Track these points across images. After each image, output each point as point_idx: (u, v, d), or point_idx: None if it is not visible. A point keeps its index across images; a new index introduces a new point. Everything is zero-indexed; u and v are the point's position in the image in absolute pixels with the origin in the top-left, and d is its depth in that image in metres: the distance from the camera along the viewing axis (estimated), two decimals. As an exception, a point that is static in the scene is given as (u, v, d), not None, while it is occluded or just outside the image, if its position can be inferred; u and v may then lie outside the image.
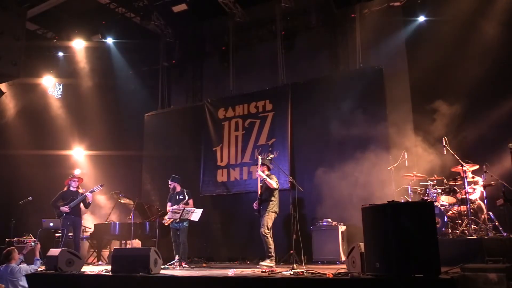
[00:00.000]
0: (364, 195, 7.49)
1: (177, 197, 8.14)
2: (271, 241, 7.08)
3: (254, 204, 7.46)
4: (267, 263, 6.88)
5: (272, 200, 7.27)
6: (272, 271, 5.67)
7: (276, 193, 7.36)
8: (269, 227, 7.15)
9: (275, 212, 7.27)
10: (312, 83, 9.65)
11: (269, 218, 7.19)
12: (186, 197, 7.98)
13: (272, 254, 7.04)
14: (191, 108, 11.50)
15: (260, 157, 7.72)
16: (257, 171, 7.45)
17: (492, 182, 7.00)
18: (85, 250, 9.59)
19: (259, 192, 7.38)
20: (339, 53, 9.99)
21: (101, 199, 10.62)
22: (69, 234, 8.18)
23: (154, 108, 11.93)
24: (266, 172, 7.47)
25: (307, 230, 8.24)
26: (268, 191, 7.32)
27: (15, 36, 5.83)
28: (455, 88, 7.89)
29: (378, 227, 4.40)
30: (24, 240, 8.21)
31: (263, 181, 7.34)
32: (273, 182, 7.24)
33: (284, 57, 10.34)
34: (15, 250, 5.68)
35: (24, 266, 5.46)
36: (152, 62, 12.09)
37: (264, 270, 5.82)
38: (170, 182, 8.24)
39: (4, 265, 5.50)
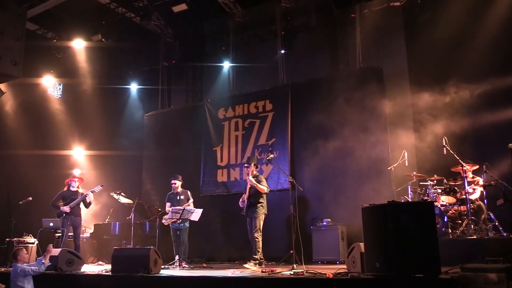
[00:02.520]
0: (364, 195, 7.49)
1: (178, 197, 8.13)
2: (260, 244, 7.18)
3: (240, 202, 7.50)
4: (251, 265, 6.92)
5: (261, 202, 7.39)
6: (272, 271, 5.68)
7: (265, 195, 7.44)
8: (261, 229, 7.27)
9: (265, 213, 7.41)
10: (312, 83, 9.65)
11: (261, 220, 7.32)
12: (191, 199, 8.00)
13: (258, 257, 7.11)
14: (191, 108, 11.49)
15: (252, 163, 7.69)
16: (248, 177, 7.44)
17: (492, 182, 7.00)
18: (85, 250, 9.58)
19: (247, 194, 7.42)
20: (339, 53, 9.98)
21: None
22: (69, 234, 8.19)
23: (154, 108, 11.92)
24: (255, 172, 7.51)
25: (307, 230, 8.24)
26: (257, 194, 7.38)
27: (15, 36, 5.84)
28: (455, 88, 7.89)
29: (378, 227, 4.41)
30: (24, 240, 8.22)
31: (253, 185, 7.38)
32: (264, 187, 7.33)
33: (284, 57, 10.33)
34: (23, 250, 5.70)
35: (22, 266, 5.45)
36: (152, 62, 12.07)
37: (264, 270, 5.83)
38: (173, 181, 8.21)
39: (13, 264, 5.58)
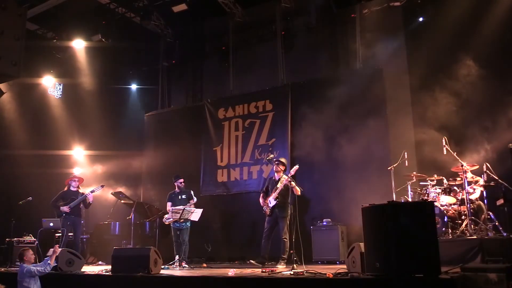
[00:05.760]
0: (364, 195, 7.48)
1: (180, 196, 8.14)
2: (288, 244, 7.22)
3: (261, 200, 7.50)
4: (282, 265, 6.98)
5: (288, 203, 7.34)
6: (272, 271, 5.68)
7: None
8: (288, 229, 7.29)
9: (290, 213, 7.40)
10: (312, 83, 9.65)
11: (288, 220, 7.32)
12: (194, 198, 8.00)
13: (286, 256, 7.19)
14: (191, 108, 11.50)
15: (284, 160, 7.76)
16: (287, 176, 7.20)
17: (492, 182, 6.99)
18: (85, 250, 9.59)
19: (275, 195, 7.33)
20: (339, 53, 9.98)
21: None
22: (69, 234, 8.19)
23: (154, 108, 11.93)
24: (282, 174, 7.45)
25: (307, 230, 8.24)
26: (287, 194, 7.29)
27: (15, 36, 5.82)
28: (455, 88, 7.89)
29: (378, 227, 4.40)
30: (24, 240, 8.22)
31: (285, 184, 7.23)
32: (299, 189, 7.13)
33: (284, 57, 10.33)
34: (29, 250, 5.72)
35: (29, 266, 5.47)
36: (152, 62, 12.09)
37: (264, 270, 5.83)
38: (181, 180, 8.22)
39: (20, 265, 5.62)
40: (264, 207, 7.49)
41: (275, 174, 7.61)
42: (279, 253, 7.33)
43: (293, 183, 7.13)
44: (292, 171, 7.29)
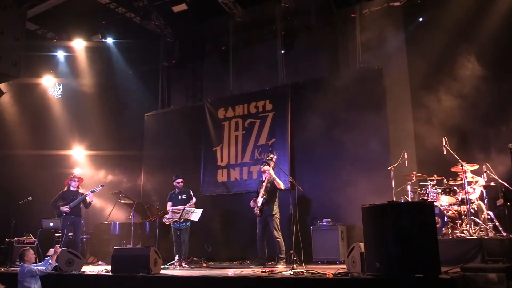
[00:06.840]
0: (364, 195, 7.48)
1: (179, 197, 8.14)
2: (283, 242, 7.26)
3: (252, 203, 7.53)
4: (281, 265, 7.01)
5: (276, 201, 7.42)
6: (272, 271, 5.68)
7: (278, 194, 7.46)
8: (279, 228, 7.32)
9: (278, 211, 7.44)
10: (312, 83, 9.65)
11: (278, 219, 7.37)
12: (194, 198, 8.00)
13: (285, 256, 7.22)
14: (191, 108, 11.50)
15: (274, 156, 7.77)
16: (269, 170, 7.45)
17: (492, 182, 6.99)
18: (85, 250, 9.58)
19: (262, 193, 7.40)
20: (339, 53, 9.98)
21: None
22: (69, 234, 8.19)
23: (154, 108, 11.92)
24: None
25: (307, 230, 8.24)
26: (273, 191, 7.38)
27: (15, 36, 5.84)
28: (455, 88, 7.89)
29: (378, 227, 4.41)
30: (24, 240, 8.22)
31: (270, 181, 7.37)
32: (281, 183, 7.29)
33: (284, 57, 10.33)
34: (29, 250, 5.74)
35: (29, 266, 5.47)
36: (152, 62, 12.09)
37: (264, 270, 5.83)
38: (180, 179, 8.23)
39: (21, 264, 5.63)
40: (255, 209, 7.51)
41: (262, 175, 7.68)
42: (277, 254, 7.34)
43: (273, 176, 7.27)
44: (271, 162, 7.45)
